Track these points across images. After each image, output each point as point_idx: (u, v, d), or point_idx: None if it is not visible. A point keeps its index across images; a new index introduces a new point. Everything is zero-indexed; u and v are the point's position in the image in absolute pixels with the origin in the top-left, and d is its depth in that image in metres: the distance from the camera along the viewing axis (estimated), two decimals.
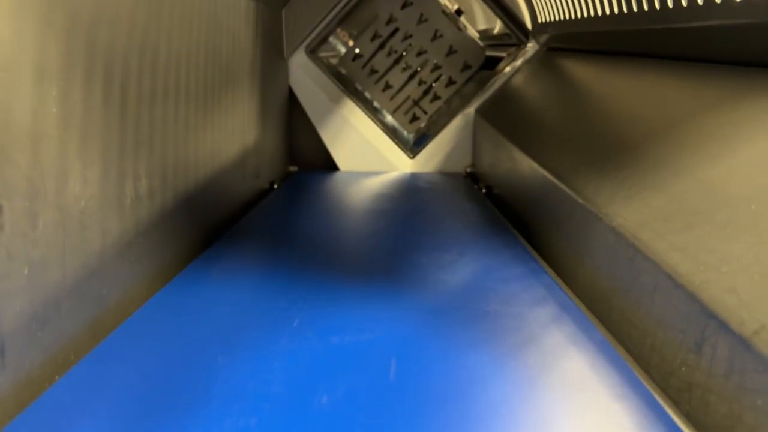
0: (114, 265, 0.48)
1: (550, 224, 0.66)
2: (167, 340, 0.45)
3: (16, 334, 0.37)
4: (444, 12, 1.10)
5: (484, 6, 1.11)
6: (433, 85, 1.14)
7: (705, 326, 0.35)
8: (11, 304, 0.36)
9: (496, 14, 1.10)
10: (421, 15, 1.10)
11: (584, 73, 0.85)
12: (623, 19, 0.67)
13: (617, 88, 0.72)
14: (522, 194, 0.79)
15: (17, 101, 0.36)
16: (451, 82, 1.13)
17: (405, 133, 1.16)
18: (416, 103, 1.15)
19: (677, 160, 0.47)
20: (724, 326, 0.33)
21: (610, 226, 0.48)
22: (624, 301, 0.46)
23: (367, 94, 1.15)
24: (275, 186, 1.01)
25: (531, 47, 1.10)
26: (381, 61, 1.13)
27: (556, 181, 0.63)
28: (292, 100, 1.13)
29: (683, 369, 0.37)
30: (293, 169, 1.17)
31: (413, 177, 1.10)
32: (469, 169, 1.13)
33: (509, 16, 1.09)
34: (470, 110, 1.13)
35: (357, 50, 1.13)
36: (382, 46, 1.12)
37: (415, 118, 1.15)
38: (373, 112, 1.15)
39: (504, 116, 0.98)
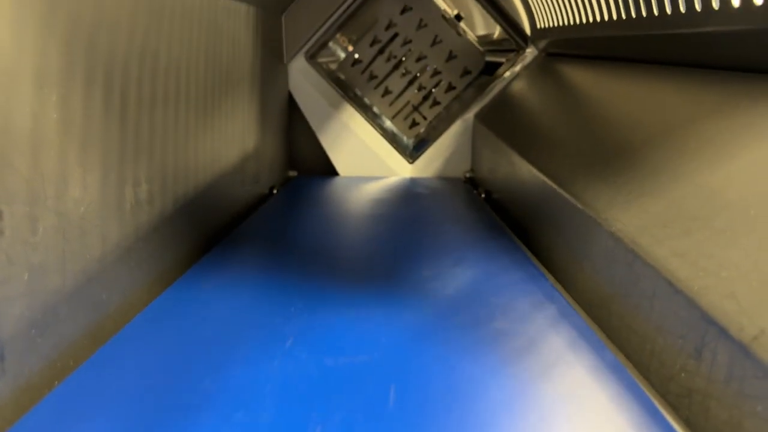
0: (114, 271, 0.48)
1: (549, 229, 0.66)
2: (167, 346, 0.45)
3: (16, 339, 0.37)
4: (443, 17, 1.10)
5: (484, 11, 1.11)
6: (433, 90, 1.14)
7: (705, 332, 0.35)
8: (11, 309, 0.36)
9: (495, 20, 1.10)
10: (421, 20, 1.10)
11: (583, 78, 0.86)
12: (622, 25, 0.68)
13: (616, 94, 0.72)
14: (521, 199, 0.79)
15: (17, 106, 0.37)
16: (450, 87, 1.13)
17: (404, 138, 1.16)
18: (416, 108, 1.15)
19: (676, 166, 0.47)
20: (723, 332, 0.33)
21: (609, 232, 0.48)
22: (623, 306, 0.46)
23: (366, 100, 1.15)
24: (275, 191, 1.01)
25: (530, 53, 1.10)
26: (380, 67, 1.13)
27: (555, 187, 0.63)
28: (291, 105, 1.13)
29: (683, 375, 0.37)
30: (293, 174, 1.17)
31: (412, 182, 1.10)
32: (468, 174, 1.13)
33: (508, 21, 1.09)
34: (469, 115, 1.13)
35: (356, 55, 1.13)
36: (381, 52, 1.12)
37: (414, 124, 1.15)
38: (373, 118, 1.15)
39: (503, 121, 0.98)
